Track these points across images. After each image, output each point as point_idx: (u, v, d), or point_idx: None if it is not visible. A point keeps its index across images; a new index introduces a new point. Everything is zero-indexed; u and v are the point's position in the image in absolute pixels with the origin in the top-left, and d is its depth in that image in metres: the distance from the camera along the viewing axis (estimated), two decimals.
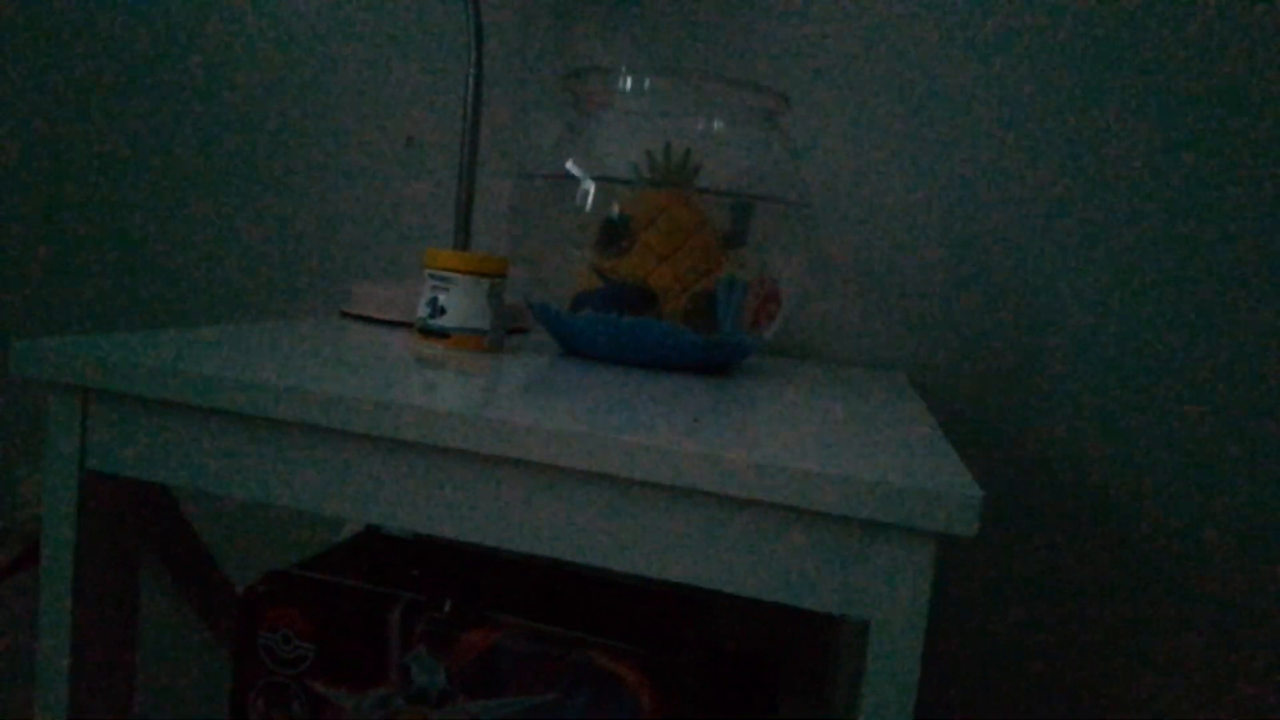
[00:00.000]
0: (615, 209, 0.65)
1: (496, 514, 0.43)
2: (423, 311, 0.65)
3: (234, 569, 1.06)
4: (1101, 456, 0.85)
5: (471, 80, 0.81)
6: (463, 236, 0.83)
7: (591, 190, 0.66)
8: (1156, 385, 0.84)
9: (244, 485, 0.47)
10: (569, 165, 0.67)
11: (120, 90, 1.06)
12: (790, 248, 0.70)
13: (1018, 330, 0.86)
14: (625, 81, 0.68)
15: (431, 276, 0.64)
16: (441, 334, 0.64)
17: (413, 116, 0.98)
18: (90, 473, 0.49)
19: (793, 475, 0.39)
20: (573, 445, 0.41)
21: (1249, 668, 0.85)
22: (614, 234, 0.66)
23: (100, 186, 1.07)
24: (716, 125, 0.69)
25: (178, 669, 1.09)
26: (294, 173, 1.02)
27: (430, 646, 0.49)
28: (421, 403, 0.43)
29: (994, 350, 0.87)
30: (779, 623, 0.92)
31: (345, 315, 0.80)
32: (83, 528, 0.49)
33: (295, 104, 1.01)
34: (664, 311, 0.67)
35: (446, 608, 0.50)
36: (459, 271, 0.64)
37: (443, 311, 0.64)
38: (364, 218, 1.01)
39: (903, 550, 0.39)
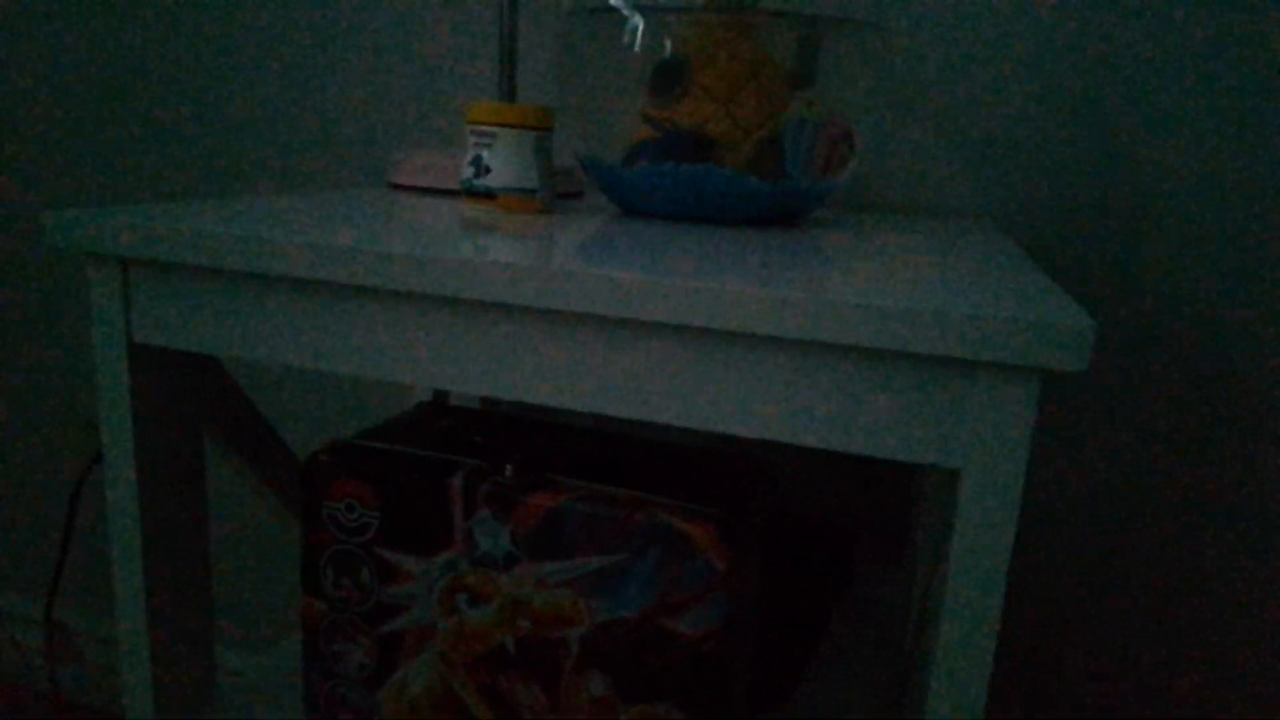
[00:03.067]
0: (668, 46, 0.59)
1: (558, 372, 0.40)
2: (466, 172, 0.61)
3: (298, 441, 1.07)
4: (1209, 303, 0.78)
5: None
6: (509, 91, 0.78)
7: (639, 26, 0.60)
8: (1263, 221, 0.75)
9: (295, 352, 0.45)
10: None
11: None
12: (864, 80, 0.63)
13: (1115, 176, 0.78)
14: None
15: (473, 133, 0.60)
16: (488, 194, 0.60)
17: None
18: (138, 346, 0.48)
19: (873, 313, 0.34)
20: (633, 294, 0.37)
21: None
22: (668, 76, 0.61)
23: (134, 60, 1.05)
24: None
25: (249, 539, 1.13)
26: (331, 38, 0.97)
27: (494, 510, 0.47)
28: (472, 257, 0.39)
29: (1089, 198, 0.79)
30: (856, 491, 0.89)
31: (393, 186, 0.77)
32: (137, 403, 0.48)
33: None
34: (726, 160, 0.61)
35: (509, 472, 0.48)
36: (502, 125, 0.59)
37: (488, 170, 0.60)
38: (407, 80, 0.96)
39: (1003, 389, 0.35)
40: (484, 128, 0.59)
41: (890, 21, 0.81)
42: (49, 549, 1.24)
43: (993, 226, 0.73)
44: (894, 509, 0.89)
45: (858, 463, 0.89)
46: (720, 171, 0.60)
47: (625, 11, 0.60)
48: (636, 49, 0.60)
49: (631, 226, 0.58)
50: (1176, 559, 0.83)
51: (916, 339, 0.34)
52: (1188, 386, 0.80)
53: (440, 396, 0.84)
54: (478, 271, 0.39)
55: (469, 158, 0.61)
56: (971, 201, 0.82)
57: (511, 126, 0.59)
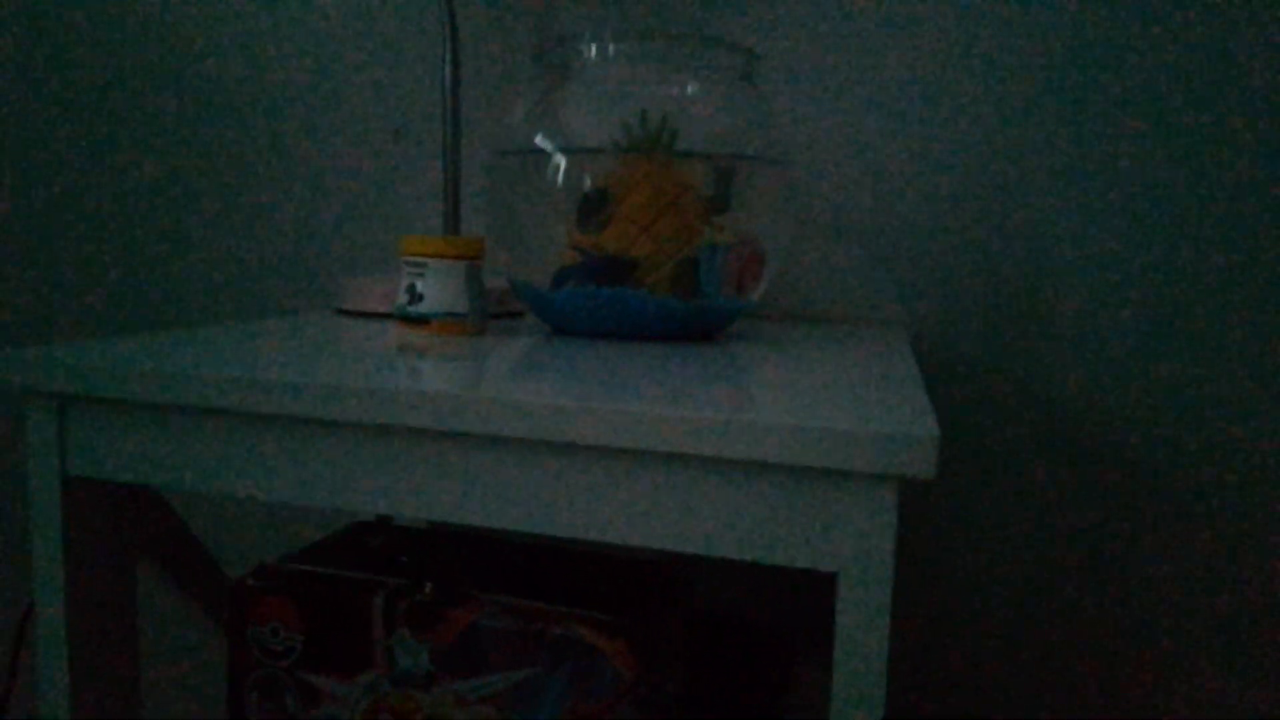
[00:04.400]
0: (591, 181, 0.64)
1: (486, 494, 0.43)
2: (401, 299, 0.64)
3: (237, 560, 1.07)
4: (1109, 405, 0.82)
5: (448, 63, 0.81)
6: (452, 222, 0.83)
7: (564, 163, 0.65)
8: (1164, 331, 0.80)
9: (231, 482, 0.47)
10: (539, 139, 0.66)
11: (101, 91, 1.08)
12: (772, 208, 0.68)
13: (1014, 276, 0.83)
14: (591, 49, 0.67)
15: (407, 263, 0.64)
16: (421, 320, 0.64)
17: (398, 108, 0.98)
18: (72, 478, 0.50)
19: (749, 428, 0.37)
20: (546, 418, 0.40)
21: (1245, 609, 0.81)
22: (592, 207, 0.65)
23: (84, 189, 1.10)
24: (691, 88, 0.67)
25: (181, 665, 1.11)
26: (283, 174, 1.03)
27: (413, 629, 0.49)
28: (398, 386, 0.42)
29: (992, 298, 0.84)
30: (792, 591, 0.91)
31: (340, 312, 0.80)
32: (69, 534, 0.50)
33: (279, 104, 1.02)
34: (648, 282, 0.65)
35: (427, 589, 0.50)
36: (432, 256, 0.63)
37: (420, 298, 0.63)
38: (357, 213, 1.01)
39: (865, 497, 0.38)
40: (416, 258, 0.64)
41: (792, 155, 0.88)
42: None
43: (903, 332, 0.77)
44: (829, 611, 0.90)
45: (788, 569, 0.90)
46: (639, 294, 0.64)
47: (550, 151, 0.65)
48: (559, 184, 0.65)
49: (558, 346, 0.62)
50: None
51: (787, 452, 0.37)
52: (1087, 480, 0.83)
53: (383, 517, 0.85)
54: (396, 400, 0.42)
55: (404, 285, 0.64)
56: (881, 311, 0.87)
57: (442, 257, 0.63)
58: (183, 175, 1.06)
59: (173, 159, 1.06)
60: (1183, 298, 0.80)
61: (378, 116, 0.99)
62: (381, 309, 0.78)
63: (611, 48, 0.66)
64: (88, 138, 1.09)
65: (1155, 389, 0.81)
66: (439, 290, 0.63)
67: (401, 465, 0.44)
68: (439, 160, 0.98)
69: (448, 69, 0.81)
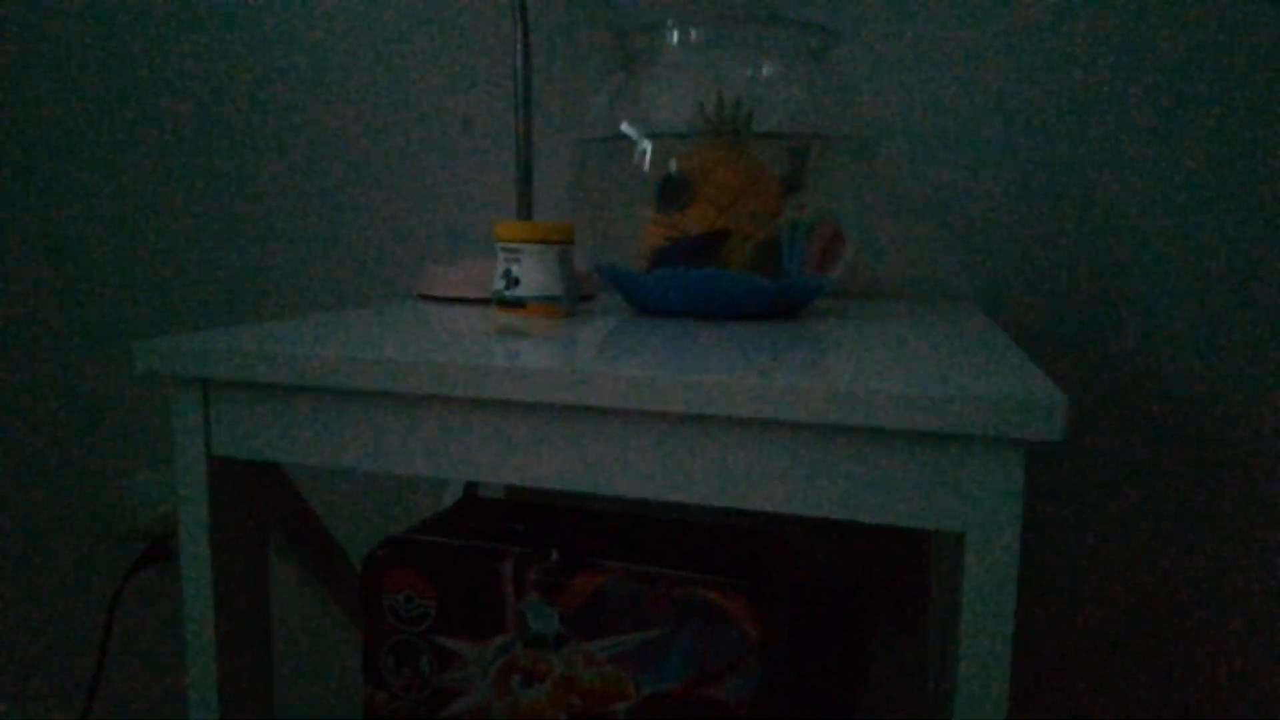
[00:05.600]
0: (672, 165, 0.67)
1: (589, 463, 0.46)
2: (498, 284, 0.67)
3: (345, 540, 1.11)
4: (1185, 373, 0.83)
5: (520, 52, 0.83)
6: (526, 208, 0.85)
7: (648, 149, 0.67)
8: (1236, 292, 0.82)
9: (354, 456, 0.50)
10: (623, 126, 0.69)
11: (187, 88, 1.11)
12: (851, 186, 0.70)
13: (1091, 253, 0.85)
14: (672, 34, 0.69)
15: (503, 249, 0.67)
16: (518, 304, 0.66)
17: (469, 99, 1.01)
18: (216, 459, 0.53)
19: (876, 398, 0.40)
20: (656, 389, 0.43)
21: None
22: (674, 190, 0.68)
23: (174, 187, 1.13)
24: (766, 69, 0.69)
25: (307, 637, 1.15)
26: (357, 166, 1.05)
27: (543, 594, 0.52)
28: (511, 363, 0.45)
29: (1068, 274, 0.85)
30: (871, 559, 0.93)
31: (422, 297, 0.83)
32: (215, 512, 0.53)
33: (349, 96, 1.04)
34: (730, 262, 0.68)
35: (554, 556, 0.53)
36: (528, 241, 0.66)
37: (516, 282, 0.66)
38: (430, 203, 1.04)
39: (995, 459, 0.40)
40: (512, 244, 0.66)
41: (869, 130, 0.90)
42: (80, 664, 1.26)
43: (977, 308, 0.79)
44: (907, 579, 0.93)
45: (870, 535, 0.93)
46: (728, 273, 0.67)
47: (635, 138, 0.67)
48: (645, 168, 0.67)
49: (648, 325, 0.64)
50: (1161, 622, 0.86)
51: (915, 419, 0.40)
52: (1165, 455, 0.85)
53: (471, 489, 0.89)
54: (511, 376, 0.44)
55: (500, 271, 0.67)
56: (955, 284, 0.88)
57: (537, 242, 0.66)
58: (257, 171, 1.09)
59: (250, 156, 1.09)
60: (1266, 267, 0.82)
61: (448, 109, 1.01)
62: (463, 294, 0.80)
63: (694, 32, 0.68)
64: (176, 137, 1.12)
65: (1226, 350, 0.83)
66: (535, 274, 0.66)
67: (523, 437, 0.47)
68: (511, 148, 1.00)
69: (519, 56, 0.83)
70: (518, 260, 0.66)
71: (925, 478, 0.41)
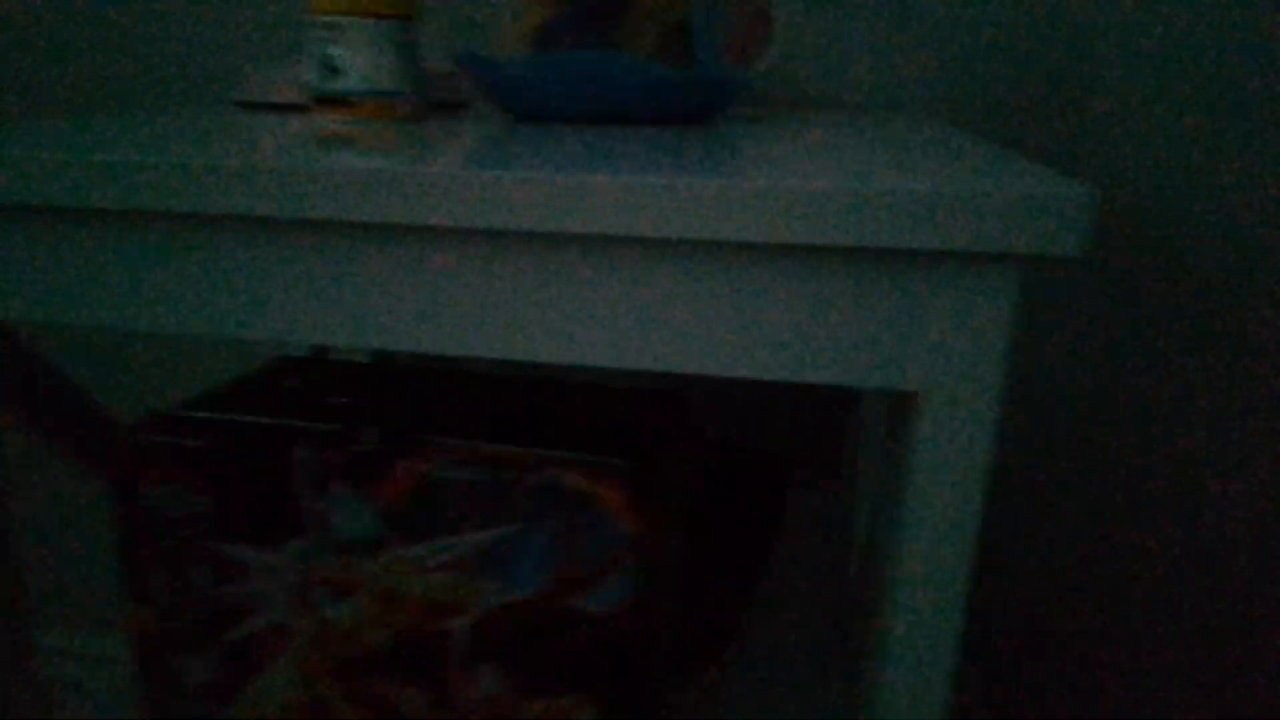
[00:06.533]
0: None
1: (429, 311, 0.31)
2: (313, 74, 0.50)
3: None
4: (1169, 192, 0.71)
5: None
6: None
7: None
8: (1227, 106, 0.69)
9: (97, 312, 0.34)
10: None
11: None
12: None
13: (1068, 56, 0.70)
14: None
15: (318, 25, 0.49)
16: (341, 100, 0.50)
17: None
18: None
19: (798, 198, 0.26)
20: (510, 192, 0.28)
21: None
22: None
23: None
24: None
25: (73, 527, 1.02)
26: None
27: (353, 484, 0.38)
28: (322, 166, 0.29)
29: (1042, 82, 0.71)
30: (781, 409, 0.82)
31: (240, 105, 0.65)
32: None
33: None
34: (630, 49, 0.52)
35: (369, 437, 0.39)
36: (351, 13, 0.48)
37: (336, 71, 0.49)
38: None
39: (971, 284, 0.27)
40: (330, 17, 0.49)
41: None
42: None
43: (946, 123, 0.65)
44: (826, 427, 0.82)
45: (788, 390, 0.82)
46: (622, 57, 0.50)
47: None
48: None
49: (526, 133, 0.48)
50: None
51: (856, 227, 0.26)
52: (1183, 280, 0.74)
53: (318, 351, 0.74)
54: (318, 181, 0.29)
55: (315, 57, 0.50)
56: (919, 95, 0.73)
57: (364, 14, 0.49)
58: None
59: None
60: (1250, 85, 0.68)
61: None
62: (291, 100, 0.63)
63: None
64: None
65: (1212, 170, 0.71)
66: (363, 59, 0.49)
67: (332, 275, 0.32)
68: None
69: None
70: (337, 40, 0.49)
71: (867, 316, 0.28)
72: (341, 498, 0.39)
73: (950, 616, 0.30)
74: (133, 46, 0.87)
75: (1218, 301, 0.72)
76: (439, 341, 0.31)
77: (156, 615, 0.41)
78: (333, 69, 0.49)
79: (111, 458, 0.53)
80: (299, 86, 0.62)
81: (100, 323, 0.34)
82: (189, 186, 0.30)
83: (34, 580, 1.03)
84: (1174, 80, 0.69)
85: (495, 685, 0.39)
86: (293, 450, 0.39)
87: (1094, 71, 0.70)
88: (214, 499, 0.40)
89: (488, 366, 0.85)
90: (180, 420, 0.41)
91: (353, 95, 0.49)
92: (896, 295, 0.28)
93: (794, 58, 0.74)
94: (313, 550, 0.39)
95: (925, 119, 0.64)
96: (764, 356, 0.29)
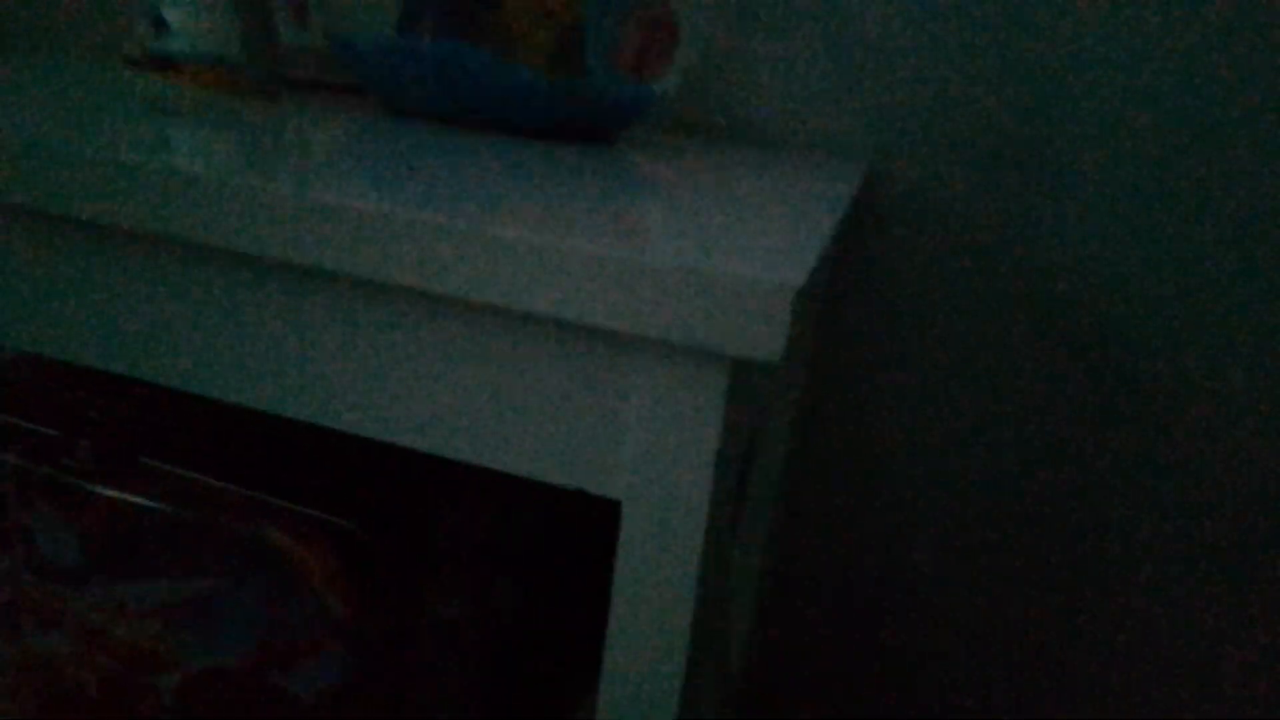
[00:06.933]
0: None
1: (107, 322, 0.26)
2: (139, 28, 0.45)
3: None
4: (1113, 289, 0.64)
5: None
6: None
7: None
8: (1193, 192, 0.62)
9: None
10: None
11: None
12: None
13: (1019, 111, 0.63)
14: None
15: None
16: (165, 62, 0.44)
17: None
18: None
19: (505, 248, 0.20)
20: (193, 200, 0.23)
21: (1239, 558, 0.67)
22: None
23: None
24: None
25: None
26: None
27: (56, 505, 0.33)
28: (85, 155, 0.24)
29: (988, 136, 0.64)
30: None
31: (127, 62, 0.60)
32: None
33: None
34: (524, 52, 0.46)
35: (83, 450, 0.34)
36: None
37: (165, 26, 0.44)
38: None
39: (675, 380, 0.21)
40: None
41: None
42: None
43: (856, 172, 0.59)
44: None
45: None
46: (478, 53, 0.45)
47: None
48: None
49: (376, 129, 0.43)
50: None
51: (551, 291, 0.20)
52: (1086, 371, 0.67)
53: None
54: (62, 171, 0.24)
55: (144, 7, 0.45)
56: (849, 139, 0.67)
57: None
58: None
59: None
60: (1216, 150, 0.61)
61: None
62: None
63: None
64: None
65: (1175, 277, 0.64)
66: (195, 18, 0.44)
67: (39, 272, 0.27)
68: None
69: None
70: None
71: (569, 406, 0.23)
72: (46, 519, 0.34)
73: None
74: None
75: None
76: (107, 357, 0.26)
77: None
78: (160, 23, 0.44)
79: None
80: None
81: None
82: None
83: None
84: (1131, 156, 0.62)
85: None
86: (3, 453, 0.34)
87: (1048, 130, 0.63)
88: None
89: None
90: None
91: (177, 56, 0.44)
92: (598, 384, 0.22)
93: (709, 85, 0.68)
94: (16, 571, 0.34)
95: (830, 164, 0.58)
96: (453, 428, 0.24)
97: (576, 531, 0.48)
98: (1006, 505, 0.71)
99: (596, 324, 0.20)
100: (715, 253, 0.20)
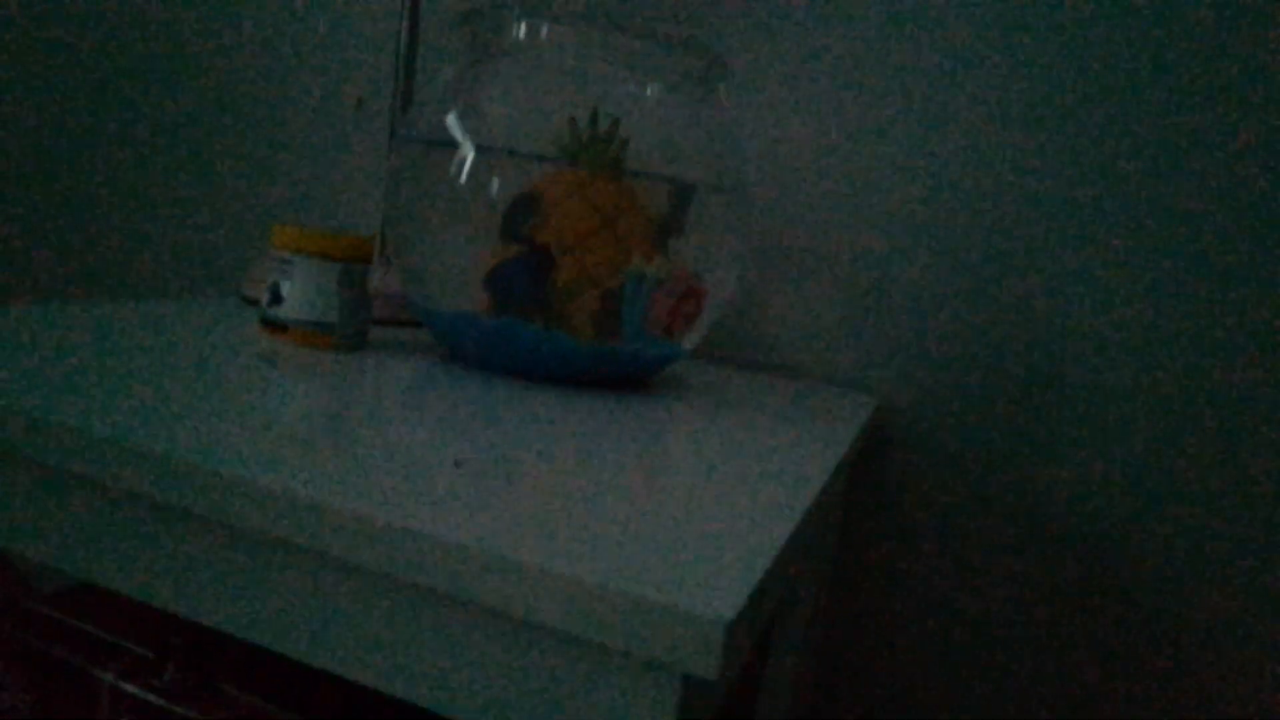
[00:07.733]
0: (495, 186, 0.54)
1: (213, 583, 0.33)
2: (264, 298, 0.55)
3: None
4: (1113, 515, 0.67)
5: (404, 26, 0.71)
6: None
7: (470, 158, 0.54)
8: (1187, 425, 0.65)
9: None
10: (449, 121, 0.56)
11: (47, 57, 1.01)
12: (724, 239, 0.57)
13: (1016, 351, 0.69)
14: (520, 27, 0.56)
15: (274, 258, 0.55)
16: (278, 325, 0.54)
17: (362, 76, 0.89)
18: None
19: (457, 555, 0.26)
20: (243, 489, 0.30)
21: None
22: (520, 213, 0.55)
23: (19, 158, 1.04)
24: (648, 90, 0.56)
25: None
26: (236, 143, 0.95)
27: None
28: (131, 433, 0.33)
29: (983, 375, 0.70)
30: None
31: (244, 300, 0.72)
32: None
33: (235, 68, 0.94)
34: (570, 313, 0.55)
35: (168, 674, 0.40)
36: (300, 252, 0.54)
37: (281, 299, 0.54)
38: (304, 191, 0.92)
39: (623, 687, 0.26)
40: (283, 253, 0.54)
41: (752, 179, 0.75)
42: None
43: (866, 406, 0.64)
44: None
45: None
46: (526, 326, 0.53)
47: (459, 141, 0.55)
48: (463, 180, 0.55)
49: (441, 378, 0.51)
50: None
51: (488, 579, 0.26)
52: (1081, 614, 0.69)
53: None
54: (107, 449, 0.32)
55: (269, 282, 0.55)
56: (860, 373, 0.73)
57: (311, 255, 0.54)
58: (132, 142, 0.99)
59: (122, 128, 1.00)
60: (1214, 390, 0.65)
61: (337, 86, 0.90)
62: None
63: (546, 28, 0.56)
64: (24, 110, 1.03)
65: (1170, 502, 0.66)
66: (303, 293, 0.54)
67: (121, 529, 0.34)
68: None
69: (403, 33, 0.72)
70: (287, 273, 0.54)
71: (550, 694, 0.28)
72: None
73: None
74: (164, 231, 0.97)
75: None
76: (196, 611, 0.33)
77: None
78: (277, 297, 0.54)
79: None
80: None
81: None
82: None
83: None
84: (1142, 401, 0.66)
85: None
86: (100, 670, 0.40)
87: (1046, 365, 0.68)
88: (36, 700, 0.41)
89: None
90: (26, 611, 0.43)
91: (287, 322, 0.54)
92: (550, 685, 0.27)
93: (743, 330, 0.76)
94: None
95: (844, 401, 0.64)
96: (455, 692, 0.29)
97: None
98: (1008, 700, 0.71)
99: (567, 631, 0.25)
100: (673, 566, 0.25)
